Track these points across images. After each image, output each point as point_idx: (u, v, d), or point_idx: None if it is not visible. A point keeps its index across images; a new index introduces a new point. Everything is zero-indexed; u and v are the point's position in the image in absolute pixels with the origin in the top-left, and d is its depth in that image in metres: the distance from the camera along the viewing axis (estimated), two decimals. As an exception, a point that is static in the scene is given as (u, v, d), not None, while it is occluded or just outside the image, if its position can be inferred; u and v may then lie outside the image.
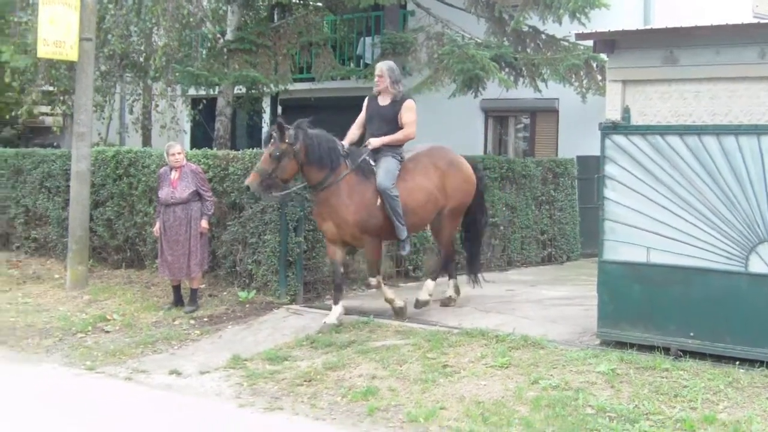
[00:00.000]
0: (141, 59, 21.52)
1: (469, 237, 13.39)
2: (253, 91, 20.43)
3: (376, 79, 12.03)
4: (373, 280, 12.11)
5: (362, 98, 21.14)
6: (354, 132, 12.26)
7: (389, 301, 11.95)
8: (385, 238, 12.09)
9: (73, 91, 17.49)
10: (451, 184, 12.30)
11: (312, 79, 20.70)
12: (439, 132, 20.80)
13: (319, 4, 20.47)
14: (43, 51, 14.75)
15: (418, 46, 18.81)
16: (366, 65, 21.22)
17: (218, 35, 21.31)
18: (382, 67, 12.04)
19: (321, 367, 9.96)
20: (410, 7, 20.66)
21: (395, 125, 11.86)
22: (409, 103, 11.94)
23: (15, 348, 11.83)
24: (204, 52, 21.55)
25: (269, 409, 8.90)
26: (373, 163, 11.77)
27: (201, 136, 24.71)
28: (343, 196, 11.46)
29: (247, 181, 11.25)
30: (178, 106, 21.37)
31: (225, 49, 19.47)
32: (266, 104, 24.40)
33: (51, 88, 21.51)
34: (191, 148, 18.06)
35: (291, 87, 20.92)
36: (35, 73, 19.79)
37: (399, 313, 11.94)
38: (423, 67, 18.56)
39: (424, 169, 12.11)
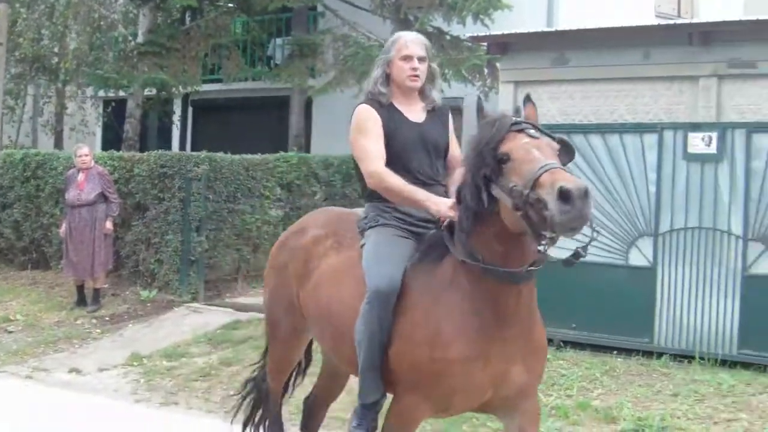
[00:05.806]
0: (53, 62, 21.52)
1: None
2: (162, 93, 20.48)
3: (415, 63, 5.28)
4: None
5: (272, 99, 21.26)
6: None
7: None
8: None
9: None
10: None
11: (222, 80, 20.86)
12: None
13: (231, 5, 20.59)
14: (-50, 55, 14.83)
15: (324, 48, 18.97)
16: (276, 65, 21.34)
17: (129, 38, 21.37)
18: (425, 42, 5.43)
19: (217, 362, 10.19)
20: (320, 8, 20.79)
21: (444, 160, 5.57)
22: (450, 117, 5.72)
23: None
24: (113, 55, 21.58)
25: (164, 404, 9.09)
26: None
27: (113, 138, 24.63)
28: None
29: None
30: (87, 108, 21.38)
31: (135, 52, 19.55)
32: (177, 106, 24.40)
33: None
34: (103, 150, 18.12)
35: (203, 88, 21.09)
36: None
37: None
38: (329, 68, 18.71)
39: None
